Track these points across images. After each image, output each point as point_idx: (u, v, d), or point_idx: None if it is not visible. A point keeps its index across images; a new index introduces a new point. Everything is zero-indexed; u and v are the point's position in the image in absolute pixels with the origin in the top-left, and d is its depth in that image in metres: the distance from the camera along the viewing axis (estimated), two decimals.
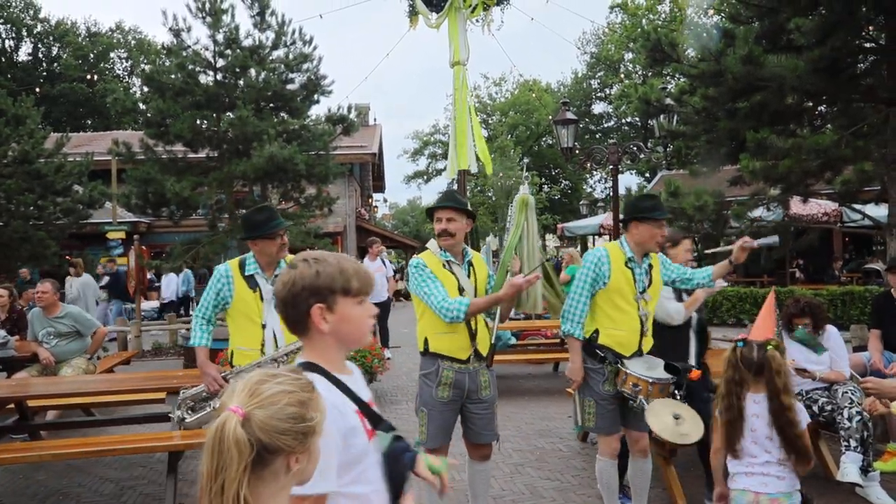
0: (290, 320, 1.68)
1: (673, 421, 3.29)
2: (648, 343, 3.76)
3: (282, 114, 12.81)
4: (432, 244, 3.68)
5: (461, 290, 3.55)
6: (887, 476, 4.45)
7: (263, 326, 3.58)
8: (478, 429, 3.62)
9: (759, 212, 8.28)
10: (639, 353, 3.68)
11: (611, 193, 35.13)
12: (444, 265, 3.57)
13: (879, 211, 8.66)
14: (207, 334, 3.72)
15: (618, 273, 3.67)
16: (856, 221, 12.68)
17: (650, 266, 3.79)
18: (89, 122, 38.50)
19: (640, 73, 33.80)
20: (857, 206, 8.06)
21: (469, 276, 3.65)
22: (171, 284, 16.79)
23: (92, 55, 39.69)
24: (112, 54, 41.63)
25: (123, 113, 32.35)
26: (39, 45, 39.11)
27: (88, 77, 33.05)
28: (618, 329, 3.67)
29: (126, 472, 5.30)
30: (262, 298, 3.61)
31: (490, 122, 40.42)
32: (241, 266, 3.68)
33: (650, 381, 3.44)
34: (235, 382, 1.28)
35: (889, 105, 6.92)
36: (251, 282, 3.64)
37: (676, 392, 3.54)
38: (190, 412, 3.73)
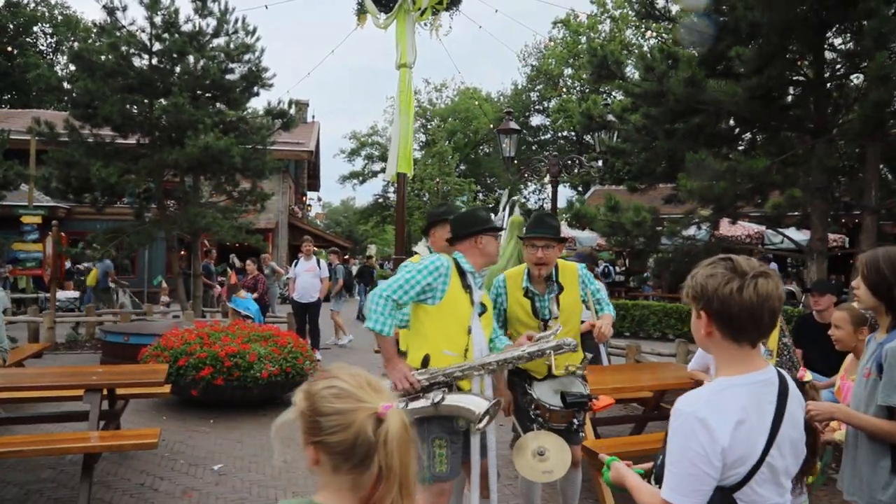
0: None
1: (535, 458, 3.24)
2: (567, 360, 3.51)
3: (219, 104, 12.41)
4: (422, 249, 3.79)
5: None
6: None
7: (469, 331, 3.16)
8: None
9: (688, 231, 8.57)
10: (550, 375, 3.53)
11: (543, 205, 35.57)
12: None
13: (799, 235, 9.14)
14: (394, 322, 3.09)
15: (514, 303, 3.61)
16: (775, 244, 13.35)
17: (560, 288, 3.58)
18: (6, 98, 36.23)
19: (578, 88, 34.62)
20: (782, 231, 8.46)
21: None
22: None
23: (11, 26, 37.37)
24: (35, 28, 39.33)
25: (47, 91, 30.56)
26: None
27: (8, 49, 31.12)
28: None
29: (32, 474, 4.93)
30: (472, 302, 3.19)
31: (429, 127, 40.47)
32: (456, 262, 3.23)
33: (547, 406, 3.40)
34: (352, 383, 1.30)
35: (814, 136, 7.30)
36: (464, 280, 3.20)
37: (575, 420, 3.50)
38: None
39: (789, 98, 7.78)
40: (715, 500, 1.55)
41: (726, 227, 11.50)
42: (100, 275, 14.74)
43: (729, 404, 1.55)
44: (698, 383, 5.03)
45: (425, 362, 3.10)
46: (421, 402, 2.97)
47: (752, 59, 6.37)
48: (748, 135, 8.48)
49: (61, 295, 14.99)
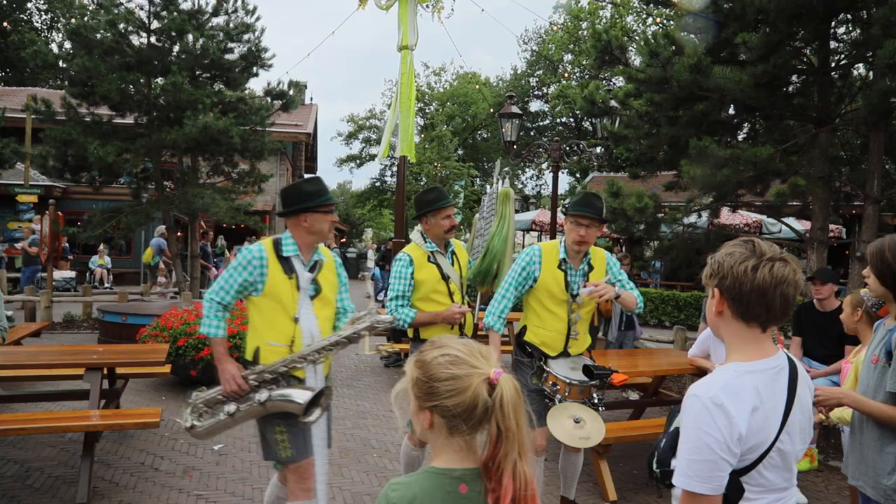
0: None
1: (572, 425, 3.22)
2: (580, 344, 3.69)
3: (218, 84, 12.30)
4: (416, 236, 3.90)
5: (446, 279, 3.83)
6: (801, 474, 4.67)
7: (296, 320, 3.02)
8: None
9: (689, 219, 8.56)
10: (565, 353, 3.63)
11: (540, 191, 35.35)
12: (428, 257, 3.83)
13: (797, 225, 9.15)
14: (224, 323, 3.10)
15: (548, 274, 3.60)
16: (773, 233, 13.36)
17: (589, 268, 3.67)
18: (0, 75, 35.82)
19: (577, 75, 34.42)
20: (783, 220, 8.45)
21: (452, 264, 3.92)
22: None
23: (5, 2, 36.85)
24: (29, 4, 38.80)
25: (43, 68, 30.25)
26: None
27: (3, 24, 30.73)
28: (544, 329, 3.63)
29: (33, 452, 4.93)
30: (298, 287, 3.05)
31: (427, 111, 40.23)
32: (277, 247, 3.07)
33: (567, 381, 3.41)
34: (464, 349, 1.38)
35: (817, 125, 7.27)
36: (287, 266, 3.04)
37: (595, 395, 3.49)
38: (199, 418, 3.07)
39: (793, 86, 7.73)
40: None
41: (725, 216, 11.50)
42: (155, 251, 15.58)
43: (745, 391, 1.52)
44: (698, 370, 5.05)
45: (256, 356, 3.05)
46: (248, 403, 2.94)
47: (759, 46, 6.31)
48: (748, 124, 8.45)
49: (58, 275, 14.93)
